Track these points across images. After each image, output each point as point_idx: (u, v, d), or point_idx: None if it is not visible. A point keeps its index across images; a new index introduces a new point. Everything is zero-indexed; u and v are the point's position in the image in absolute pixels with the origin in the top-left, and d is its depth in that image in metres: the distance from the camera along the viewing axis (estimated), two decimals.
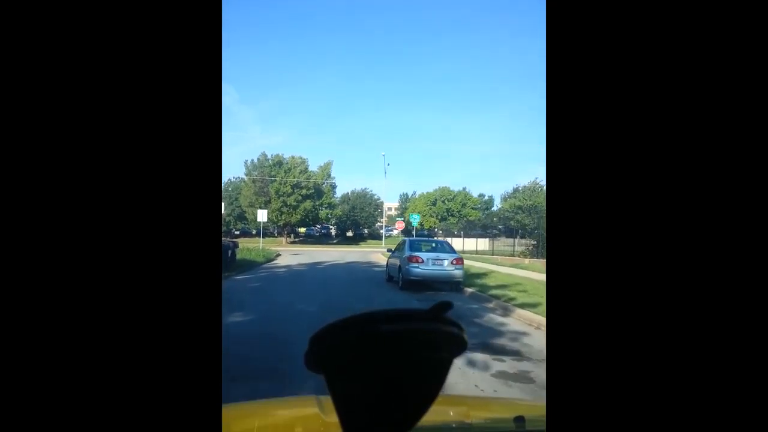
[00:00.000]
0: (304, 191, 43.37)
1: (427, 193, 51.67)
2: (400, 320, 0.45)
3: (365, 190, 60.13)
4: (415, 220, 23.54)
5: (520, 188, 56.77)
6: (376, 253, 30.96)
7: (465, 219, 45.63)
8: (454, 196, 49.33)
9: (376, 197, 60.36)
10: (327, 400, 0.55)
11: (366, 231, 61.55)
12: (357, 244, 49.48)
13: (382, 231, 50.28)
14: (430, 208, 48.95)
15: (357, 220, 59.01)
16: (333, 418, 0.49)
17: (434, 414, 1.21)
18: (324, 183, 47.95)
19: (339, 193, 55.47)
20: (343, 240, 55.96)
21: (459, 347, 0.50)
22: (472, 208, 49.18)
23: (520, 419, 1.04)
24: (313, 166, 46.68)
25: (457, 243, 33.30)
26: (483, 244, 32.38)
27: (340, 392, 0.48)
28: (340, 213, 54.42)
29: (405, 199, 60.82)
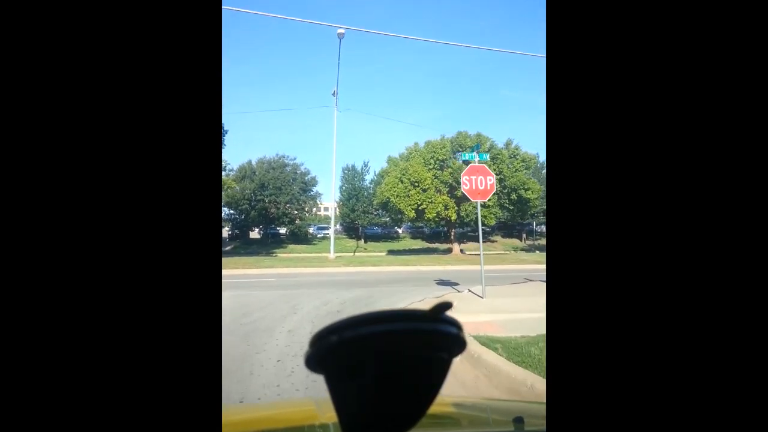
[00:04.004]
0: None
1: (428, 143, 24.96)
2: (399, 320, 0.46)
3: (282, 157, 34.42)
4: None
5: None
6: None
7: (520, 198, 21.60)
8: (489, 148, 23.02)
9: (303, 169, 34.74)
10: (325, 402, 0.58)
11: (285, 230, 35.78)
12: (270, 254, 24.02)
13: (319, 229, 25.46)
14: (434, 175, 23.50)
15: (267, 209, 33.00)
16: (331, 419, 0.50)
17: (434, 414, 1.15)
18: None
19: (237, 160, 29.30)
20: (243, 245, 29.96)
21: (458, 347, 0.49)
22: (526, 176, 23.79)
23: (519, 420, 1.06)
24: None
25: None
26: None
27: (339, 392, 0.48)
28: (240, 193, 28.07)
29: (352, 175, 35.78)
